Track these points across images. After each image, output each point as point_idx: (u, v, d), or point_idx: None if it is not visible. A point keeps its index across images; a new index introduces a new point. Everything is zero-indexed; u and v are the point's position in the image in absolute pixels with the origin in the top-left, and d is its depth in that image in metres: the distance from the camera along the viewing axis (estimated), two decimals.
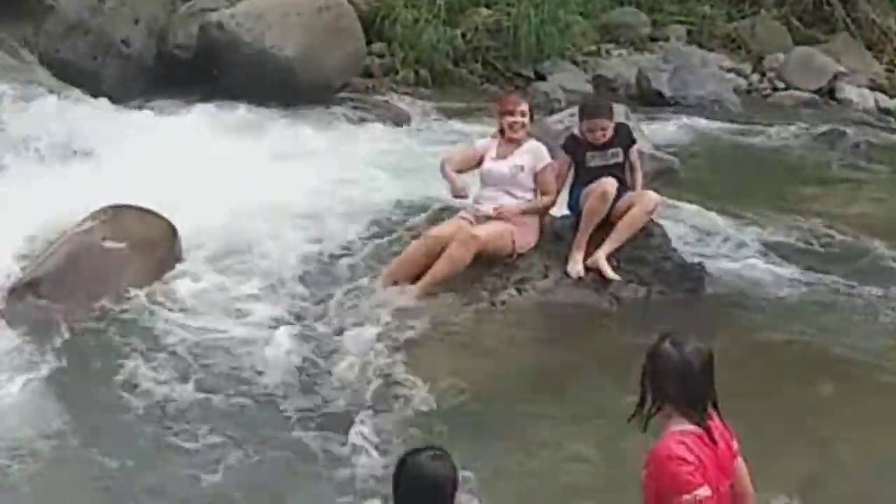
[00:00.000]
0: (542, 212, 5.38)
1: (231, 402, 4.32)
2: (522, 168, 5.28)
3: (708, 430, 2.61)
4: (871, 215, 7.05)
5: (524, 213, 5.27)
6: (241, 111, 7.98)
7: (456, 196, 5.33)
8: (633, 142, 5.40)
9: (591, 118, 5.26)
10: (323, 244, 5.78)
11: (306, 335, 4.89)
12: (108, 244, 5.27)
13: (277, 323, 4.96)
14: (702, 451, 2.58)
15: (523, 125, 5.31)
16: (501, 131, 5.39)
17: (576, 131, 5.43)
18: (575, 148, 5.35)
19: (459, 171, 5.37)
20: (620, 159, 5.30)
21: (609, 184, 5.19)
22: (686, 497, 2.53)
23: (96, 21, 8.19)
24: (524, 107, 5.37)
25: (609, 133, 5.25)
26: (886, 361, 4.81)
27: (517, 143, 5.34)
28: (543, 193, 5.32)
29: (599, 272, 5.18)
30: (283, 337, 4.80)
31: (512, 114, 5.31)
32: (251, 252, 5.63)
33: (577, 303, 5.20)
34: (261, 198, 6.10)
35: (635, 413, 2.69)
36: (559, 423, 4.22)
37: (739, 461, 2.76)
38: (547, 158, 5.32)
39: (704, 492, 2.54)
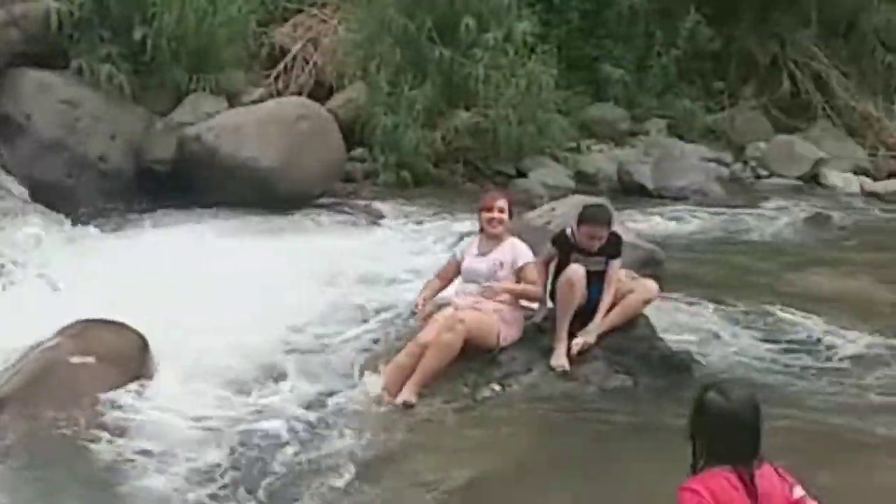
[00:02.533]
0: (532, 298, 5.28)
1: None
2: (502, 265, 5.22)
3: (748, 477, 2.53)
4: (863, 298, 6.92)
5: (512, 294, 5.17)
6: (219, 223, 7.93)
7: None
8: (618, 255, 5.28)
9: (591, 224, 5.19)
10: (302, 353, 5.62)
11: (284, 443, 4.67)
12: (75, 359, 5.11)
13: (263, 427, 4.75)
14: (724, 495, 2.51)
15: (502, 221, 5.28)
16: (482, 228, 5.36)
17: (568, 231, 5.34)
18: (564, 245, 5.28)
19: (442, 288, 5.35)
20: (601, 268, 5.23)
21: (573, 271, 5.11)
22: None
23: (72, 139, 8.23)
24: (502, 203, 5.34)
25: (602, 243, 5.19)
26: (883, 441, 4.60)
27: (497, 239, 5.29)
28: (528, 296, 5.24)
29: (581, 351, 5.11)
30: (266, 444, 4.59)
31: (490, 210, 5.29)
32: (229, 364, 5.45)
33: (563, 396, 5.03)
34: (237, 306, 5.96)
35: (692, 469, 2.62)
36: None
37: None
38: (528, 255, 5.24)
39: None
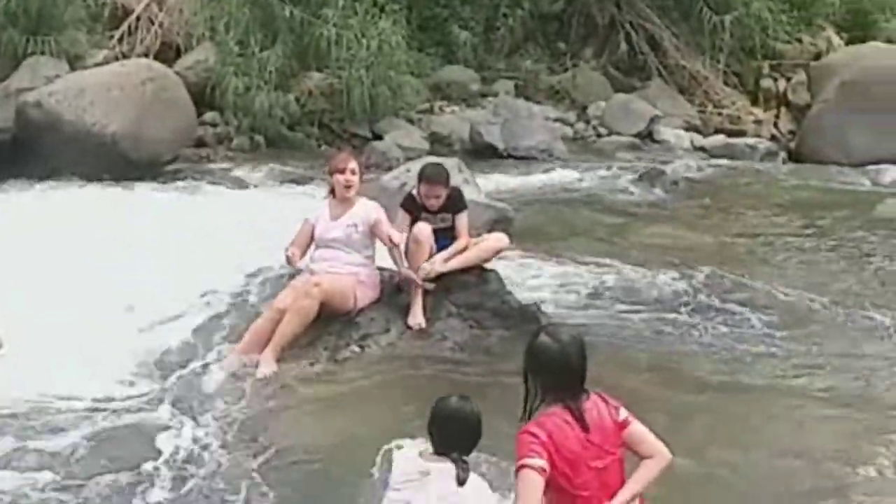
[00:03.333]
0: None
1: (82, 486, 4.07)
2: (356, 227, 5.31)
3: (578, 412, 2.77)
4: (691, 244, 7.52)
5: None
6: (68, 191, 7.70)
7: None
8: (463, 208, 5.49)
9: (428, 183, 5.37)
10: (164, 325, 5.57)
11: (151, 416, 4.69)
12: None
13: (122, 403, 4.75)
14: (560, 432, 2.75)
15: (354, 184, 5.33)
16: (332, 192, 5.41)
17: (414, 192, 5.52)
18: (413, 207, 5.44)
19: (302, 255, 5.35)
20: (449, 224, 5.43)
21: (419, 229, 5.30)
22: (519, 462, 2.72)
23: None
24: (354, 164, 5.40)
25: (442, 200, 5.37)
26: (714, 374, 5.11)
27: (349, 202, 5.36)
28: (386, 241, 5.32)
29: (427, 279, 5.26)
30: (130, 413, 4.61)
31: (343, 171, 5.32)
32: (92, 335, 5.35)
33: (422, 353, 5.25)
34: (95, 277, 5.84)
35: (523, 411, 2.83)
36: None
37: (633, 427, 2.87)
38: (380, 211, 5.35)
39: (536, 462, 2.70)
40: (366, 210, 5.35)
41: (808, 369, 5.26)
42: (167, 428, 4.54)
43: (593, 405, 2.85)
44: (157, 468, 4.22)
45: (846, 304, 6.20)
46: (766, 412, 4.77)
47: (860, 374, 5.19)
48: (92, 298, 5.56)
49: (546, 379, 2.82)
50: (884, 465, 4.17)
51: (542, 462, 2.71)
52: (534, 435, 2.75)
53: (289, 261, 5.30)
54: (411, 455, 3.15)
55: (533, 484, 2.71)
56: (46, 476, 4.08)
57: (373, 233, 5.32)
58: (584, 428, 2.79)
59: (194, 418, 4.64)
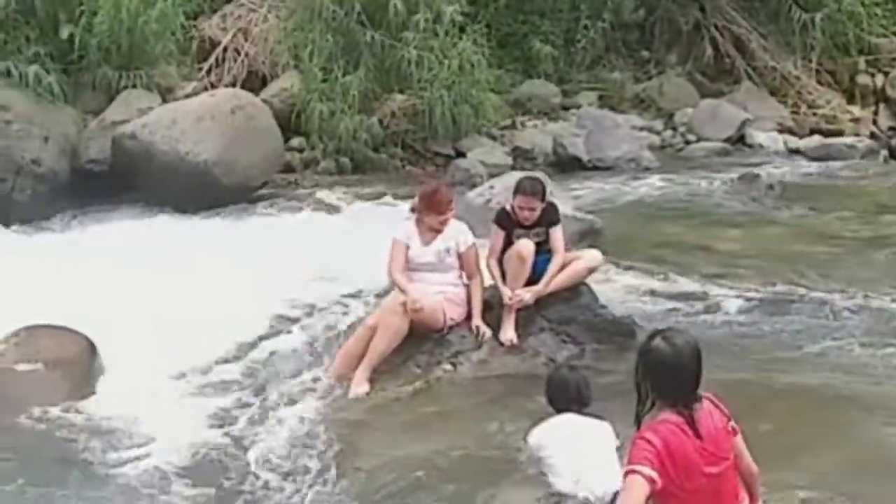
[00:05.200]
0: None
1: None
2: (448, 251, 5.29)
3: (691, 420, 2.77)
4: (791, 251, 7.23)
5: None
6: (161, 219, 7.91)
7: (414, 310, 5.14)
8: (557, 222, 5.40)
9: (524, 196, 5.30)
10: (259, 346, 5.65)
11: (245, 435, 4.75)
12: (21, 367, 5.10)
13: (219, 422, 4.83)
14: (675, 439, 2.76)
15: (449, 219, 5.28)
16: (421, 220, 5.31)
17: (508, 207, 5.45)
18: (507, 222, 5.38)
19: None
20: (543, 238, 5.35)
21: (524, 245, 5.23)
22: (630, 466, 2.76)
23: (4, 143, 8.11)
24: (453, 200, 5.35)
25: (537, 214, 5.31)
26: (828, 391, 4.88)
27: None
28: (469, 276, 5.31)
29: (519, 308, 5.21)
30: (226, 434, 4.68)
31: (443, 213, 5.25)
32: (185, 360, 5.47)
33: (514, 369, 5.18)
34: (189, 304, 5.97)
35: (636, 415, 2.85)
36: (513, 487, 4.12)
37: (738, 439, 2.92)
38: (470, 239, 5.33)
39: (646, 471, 2.72)
40: (457, 233, 5.32)
41: None
42: (261, 449, 4.57)
43: (707, 411, 2.83)
44: (252, 491, 4.25)
45: None
46: (854, 420, 4.52)
47: None
48: (190, 322, 5.67)
49: (659, 383, 2.80)
50: None
51: (651, 472, 2.72)
52: (649, 442, 2.75)
53: (400, 288, 5.20)
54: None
55: (638, 490, 2.72)
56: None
57: (461, 259, 5.28)
58: (698, 435, 2.77)
59: (290, 440, 4.67)
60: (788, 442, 4.18)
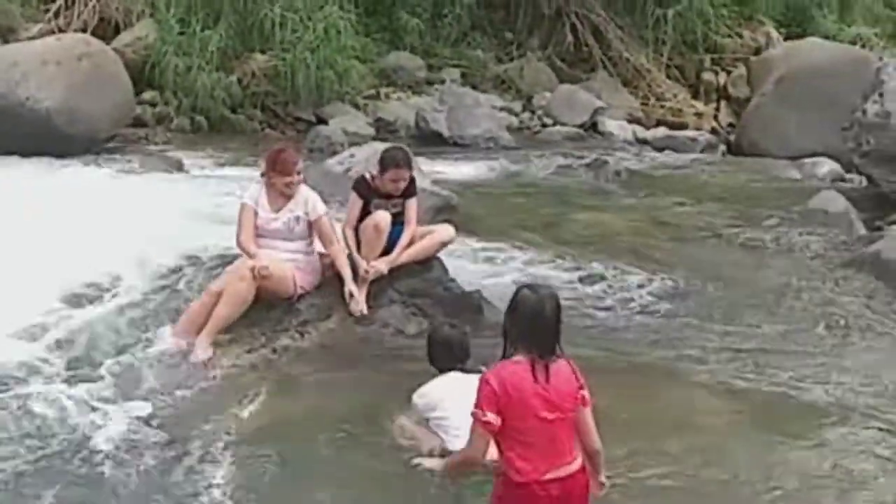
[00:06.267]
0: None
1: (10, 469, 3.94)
2: (297, 220, 5.23)
3: (540, 363, 2.94)
4: (637, 235, 7.60)
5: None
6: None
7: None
8: (414, 194, 5.43)
9: (398, 168, 5.28)
10: (98, 303, 5.42)
11: (84, 397, 4.56)
12: None
13: (54, 384, 4.61)
14: (513, 378, 2.94)
15: (296, 183, 5.21)
16: (271, 183, 5.20)
17: (367, 175, 5.43)
18: (365, 191, 5.36)
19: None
20: (400, 210, 5.38)
21: (381, 216, 5.25)
22: (473, 409, 2.99)
23: None
24: (301, 164, 5.29)
25: (404, 185, 5.32)
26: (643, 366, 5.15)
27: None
28: (326, 244, 5.27)
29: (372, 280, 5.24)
30: (63, 398, 4.46)
31: (290, 174, 5.18)
32: (19, 311, 5.17)
33: (362, 340, 5.20)
34: (26, 254, 5.65)
35: (501, 358, 3.01)
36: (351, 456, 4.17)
37: (586, 412, 3.07)
38: (321, 208, 5.26)
39: (486, 417, 2.94)
40: (307, 202, 5.23)
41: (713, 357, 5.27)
42: (100, 411, 4.42)
43: (561, 367, 3.01)
44: (91, 453, 4.11)
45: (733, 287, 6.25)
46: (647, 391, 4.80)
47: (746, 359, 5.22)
48: (21, 275, 5.38)
49: (519, 327, 2.97)
50: None
51: (491, 416, 2.93)
52: (488, 383, 2.96)
53: (249, 255, 5.11)
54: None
55: (478, 438, 2.98)
56: None
57: (312, 227, 5.23)
58: (545, 379, 2.95)
59: (128, 401, 4.53)
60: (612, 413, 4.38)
